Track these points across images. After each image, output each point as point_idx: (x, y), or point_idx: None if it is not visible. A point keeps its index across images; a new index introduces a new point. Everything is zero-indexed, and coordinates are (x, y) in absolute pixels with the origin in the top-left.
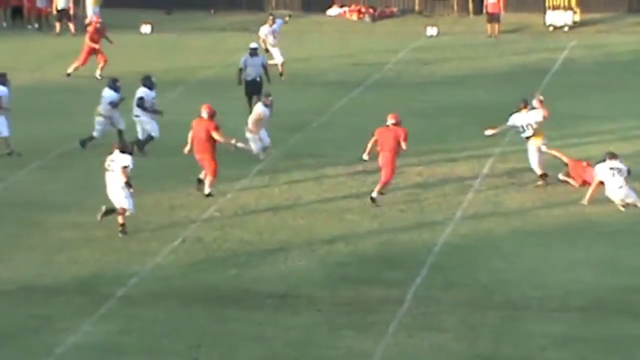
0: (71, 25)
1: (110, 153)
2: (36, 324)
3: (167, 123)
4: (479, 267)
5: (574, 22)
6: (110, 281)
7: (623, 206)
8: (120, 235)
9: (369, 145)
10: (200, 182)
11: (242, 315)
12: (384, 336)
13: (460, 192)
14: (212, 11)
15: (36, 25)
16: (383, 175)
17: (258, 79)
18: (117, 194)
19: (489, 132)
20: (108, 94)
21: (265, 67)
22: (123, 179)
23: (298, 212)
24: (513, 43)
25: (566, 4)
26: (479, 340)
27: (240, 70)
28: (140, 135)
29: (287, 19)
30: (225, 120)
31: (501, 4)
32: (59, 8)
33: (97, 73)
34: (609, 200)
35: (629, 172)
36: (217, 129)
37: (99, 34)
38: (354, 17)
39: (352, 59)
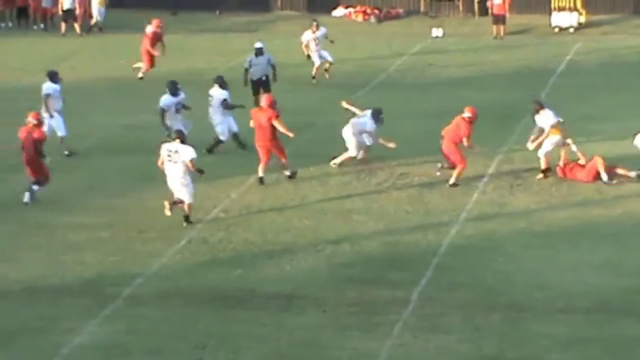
0: (77, 26)
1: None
2: (41, 324)
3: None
4: (484, 268)
5: (580, 24)
6: (116, 281)
7: None
8: (184, 224)
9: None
10: (262, 180)
11: (247, 316)
12: (389, 337)
13: (465, 193)
14: (218, 12)
15: (42, 26)
16: (455, 165)
17: (264, 77)
18: (178, 185)
19: (532, 144)
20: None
21: (273, 65)
22: (191, 169)
23: (303, 212)
24: (518, 44)
25: (572, 5)
26: (484, 341)
27: (246, 70)
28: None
29: (332, 41)
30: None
31: (506, 5)
32: (65, 8)
33: (139, 74)
34: (613, 202)
35: None
36: (278, 117)
37: (156, 39)
38: (360, 18)
39: (358, 59)
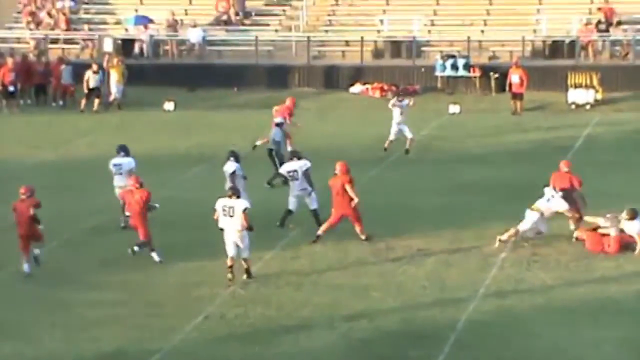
0: (96, 102)
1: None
2: None
3: (192, 199)
4: (502, 344)
5: (596, 100)
6: (134, 358)
7: None
8: (245, 277)
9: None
10: (318, 238)
11: None
12: None
13: (483, 268)
14: (235, 89)
15: (61, 102)
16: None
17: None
18: (236, 239)
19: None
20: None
21: (286, 135)
22: (244, 224)
23: (320, 288)
24: (535, 121)
25: (588, 82)
26: None
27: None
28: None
29: (411, 102)
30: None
31: (525, 83)
32: (91, 86)
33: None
34: (630, 278)
35: None
36: (351, 182)
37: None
38: (377, 94)
39: (375, 135)
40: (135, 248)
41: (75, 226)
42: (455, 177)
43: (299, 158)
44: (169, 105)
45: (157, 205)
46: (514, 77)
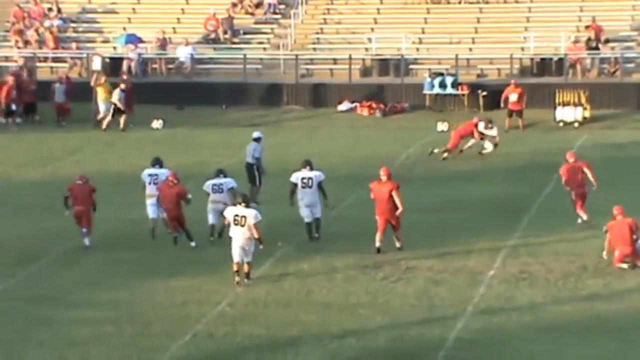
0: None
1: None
2: None
3: None
4: None
5: (584, 118)
6: None
7: None
8: (246, 281)
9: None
10: (379, 250)
11: None
12: None
13: (471, 286)
14: (224, 107)
15: (63, 123)
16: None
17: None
18: (245, 246)
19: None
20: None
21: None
22: (255, 235)
23: (309, 306)
24: (523, 138)
25: (576, 100)
26: None
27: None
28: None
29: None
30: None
31: (523, 101)
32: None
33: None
34: (618, 296)
35: None
36: (398, 188)
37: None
38: (365, 112)
39: (363, 153)
40: (175, 234)
41: (62, 245)
42: (443, 195)
43: (312, 168)
44: (157, 124)
45: (190, 197)
46: (512, 96)
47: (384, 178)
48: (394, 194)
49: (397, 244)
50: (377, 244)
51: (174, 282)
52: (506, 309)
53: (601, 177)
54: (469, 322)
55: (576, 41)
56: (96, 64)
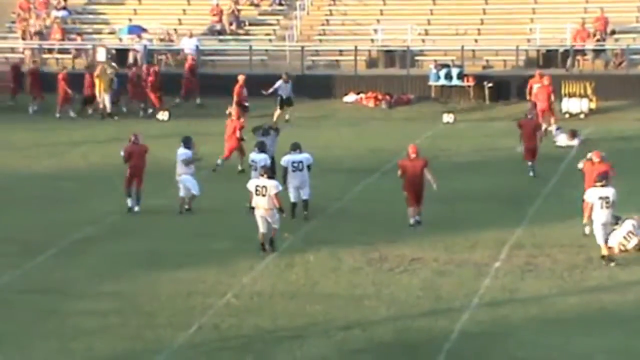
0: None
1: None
2: None
3: None
4: (496, 354)
5: (590, 109)
6: None
7: None
8: (268, 247)
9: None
10: (419, 223)
11: None
12: None
13: (476, 278)
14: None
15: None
16: None
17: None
18: (269, 218)
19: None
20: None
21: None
22: (276, 204)
23: (314, 298)
24: None
25: (582, 91)
26: None
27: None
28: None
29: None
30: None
31: (551, 93)
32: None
33: None
34: (624, 288)
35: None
36: (428, 164)
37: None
38: (371, 103)
39: (369, 144)
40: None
41: (68, 236)
42: (449, 186)
43: (301, 151)
44: (163, 115)
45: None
46: (537, 88)
47: (413, 155)
48: (425, 170)
49: (418, 218)
50: (412, 220)
51: (180, 274)
52: (512, 300)
53: None
54: (475, 314)
55: (583, 24)
56: (101, 55)
